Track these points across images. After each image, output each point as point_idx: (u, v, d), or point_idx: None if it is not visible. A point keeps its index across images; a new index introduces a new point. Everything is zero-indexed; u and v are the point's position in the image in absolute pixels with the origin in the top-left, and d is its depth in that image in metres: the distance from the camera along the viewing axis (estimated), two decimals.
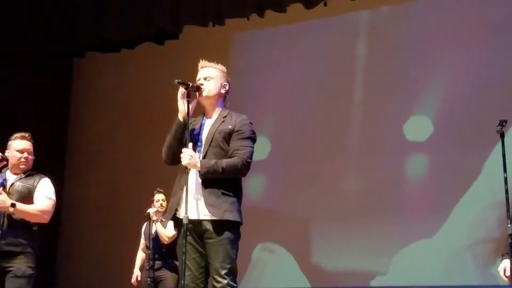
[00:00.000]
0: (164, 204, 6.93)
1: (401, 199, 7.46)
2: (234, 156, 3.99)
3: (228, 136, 4.03)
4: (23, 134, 4.91)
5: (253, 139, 4.09)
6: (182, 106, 4.02)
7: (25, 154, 4.83)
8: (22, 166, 4.82)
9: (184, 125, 4.02)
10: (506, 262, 4.56)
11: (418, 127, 7.46)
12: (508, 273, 4.55)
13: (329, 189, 7.79)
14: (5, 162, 4.82)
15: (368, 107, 7.85)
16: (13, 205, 4.61)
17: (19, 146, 4.85)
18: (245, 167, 4.00)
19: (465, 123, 7.22)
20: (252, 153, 4.05)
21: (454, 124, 7.27)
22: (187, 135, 4.00)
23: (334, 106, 7.98)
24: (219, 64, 4.22)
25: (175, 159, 4.04)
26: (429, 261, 7.13)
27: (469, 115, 7.18)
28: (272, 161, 8.07)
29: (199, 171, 3.91)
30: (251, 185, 7.68)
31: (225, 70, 4.20)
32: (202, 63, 4.18)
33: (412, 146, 7.48)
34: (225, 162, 3.94)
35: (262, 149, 7.77)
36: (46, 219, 4.77)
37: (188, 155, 3.91)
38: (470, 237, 6.99)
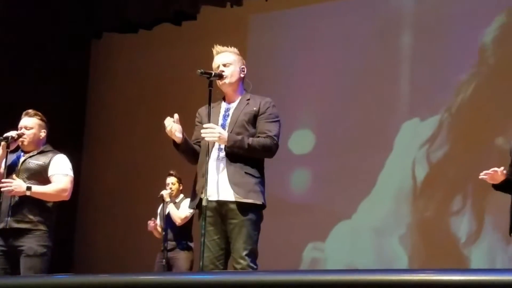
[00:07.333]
0: (174, 187, 6.95)
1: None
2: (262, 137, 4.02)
3: (253, 118, 4.07)
4: (26, 111, 4.86)
5: (279, 122, 4.13)
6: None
7: (22, 130, 4.75)
8: (21, 144, 4.76)
9: (180, 145, 4.08)
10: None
11: None
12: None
13: (377, 183, 7.39)
14: (22, 140, 4.75)
15: (416, 95, 7.43)
16: (29, 188, 4.57)
17: (20, 124, 4.81)
18: (275, 147, 4.05)
19: None
20: (279, 135, 4.10)
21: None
22: (208, 119, 4.02)
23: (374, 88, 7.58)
24: (233, 47, 4.24)
25: (197, 160, 4.14)
26: None
27: None
28: (315, 154, 7.75)
29: (225, 145, 3.95)
30: (295, 179, 7.70)
31: (238, 52, 4.22)
32: (217, 48, 4.20)
33: None
34: (251, 139, 3.98)
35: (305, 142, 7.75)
36: (65, 196, 4.73)
37: (216, 132, 3.93)
38: None
